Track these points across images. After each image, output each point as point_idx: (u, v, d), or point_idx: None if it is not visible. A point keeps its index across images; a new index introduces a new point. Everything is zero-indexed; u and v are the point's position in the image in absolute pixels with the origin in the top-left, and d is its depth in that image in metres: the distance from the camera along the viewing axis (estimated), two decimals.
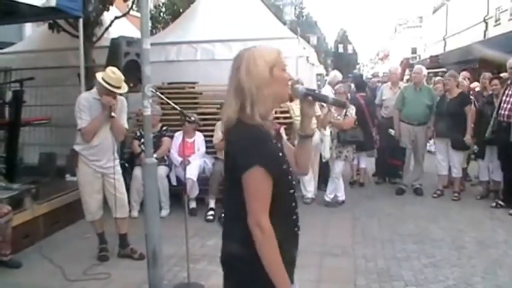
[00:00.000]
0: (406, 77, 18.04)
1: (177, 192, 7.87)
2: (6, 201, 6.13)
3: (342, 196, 8.56)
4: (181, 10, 17.44)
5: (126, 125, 6.16)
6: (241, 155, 2.28)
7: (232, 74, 2.39)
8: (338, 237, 6.80)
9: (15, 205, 6.18)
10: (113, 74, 5.81)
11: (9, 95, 8.38)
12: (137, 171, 7.58)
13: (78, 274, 5.61)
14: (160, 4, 18.37)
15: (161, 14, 18.14)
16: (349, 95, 9.58)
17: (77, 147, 5.95)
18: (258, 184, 2.26)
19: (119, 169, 6.10)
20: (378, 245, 6.53)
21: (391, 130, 9.41)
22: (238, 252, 2.39)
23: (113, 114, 5.79)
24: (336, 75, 11.56)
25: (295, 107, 8.13)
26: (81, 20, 7.95)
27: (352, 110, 8.34)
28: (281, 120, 8.25)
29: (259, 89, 2.33)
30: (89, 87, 7.94)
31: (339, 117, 8.27)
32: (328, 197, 8.52)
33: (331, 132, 8.51)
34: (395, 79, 10.27)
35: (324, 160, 8.74)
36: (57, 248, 6.51)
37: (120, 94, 5.95)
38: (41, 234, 6.72)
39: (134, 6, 10.58)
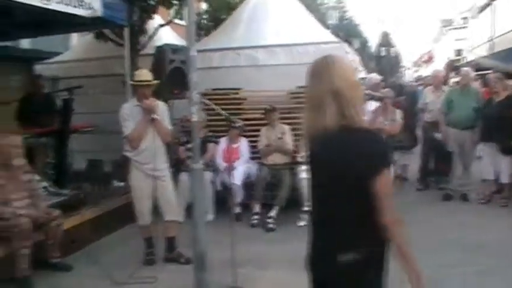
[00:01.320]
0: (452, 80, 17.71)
1: (221, 198, 7.94)
2: (56, 206, 6.30)
3: None
4: (223, 17, 17.58)
5: (169, 127, 6.27)
6: (376, 157, 2.37)
7: (319, 81, 2.45)
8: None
9: (65, 210, 6.31)
10: (137, 72, 6.18)
11: (58, 103, 8.60)
12: (183, 177, 7.66)
13: (125, 277, 5.69)
14: (202, 11, 18.50)
15: (203, 21, 18.26)
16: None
17: (127, 153, 6.13)
18: (390, 183, 2.40)
19: (168, 172, 6.24)
20: (423, 253, 6.42)
21: (437, 134, 9.26)
22: (366, 255, 2.44)
23: (154, 116, 5.93)
24: (372, 77, 11.41)
25: None
26: (126, 29, 8.09)
27: (398, 115, 8.26)
28: None
29: (355, 93, 2.42)
30: (134, 95, 8.12)
31: (385, 122, 8.20)
32: None
33: None
34: (438, 82, 10.07)
35: None
36: (105, 251, 6.63)
37: (148, 85, 6.05)
38: (90, 238, 6.86)
39: (177, 14, 10.77)
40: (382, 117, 8.24)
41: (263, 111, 8.34)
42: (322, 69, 2.46)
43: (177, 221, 6.33)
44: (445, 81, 11.94)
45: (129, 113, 6.02)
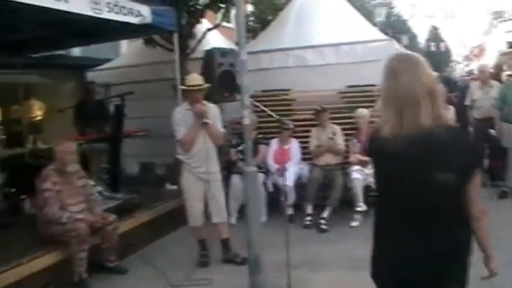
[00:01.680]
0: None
1: (273, 199, 7.95)
2: (111, 210, 6.42)
3: None
4: (269, 18, 17.59)
5: (221, 130, 6.33)
6: (478, 154, 2.65)
7: (410, 80, 2.41)
8: None
9: (119, 214, 6.42)
10: (188, 77, 6.26)
11: (111, 109, 8.76)
12: (234, 179, 7.70)
13: (180, 279, 5.76)
14: (249, 13, 18.56)
15: (249, 23, 18.33)
16: None
17: (180, 157, 6.23)
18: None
19: (219, 175, 6.30)
20: (479, 252, 6.29)
21: (491, 130, 9.04)
22: (461, 248, 2.55)
23: (206, 120, 5.99)
24: None
25: None
26: (175, 34, 8.18)
27: (451, 112, 8.08)
28: None
29: (440, 91, 2.46)
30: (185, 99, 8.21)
31: None
32: None
33: None
34: (485, 77, 9.69)
35: None
36: (160, 254, 6.72)
37: (199, 89, 6.10)
38: (144, 241, 6.96)
39: (224, 17, 10.84)
40: None
41: (313, 112, 8.30)
42: (410, 68, 2.43)
43: (225, 223, 6.38)
44: (497, 75, 11.58)
45: (181, 117, 6.10)
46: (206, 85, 6.18)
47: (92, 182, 7.05)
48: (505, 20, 55.91)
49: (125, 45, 16.12)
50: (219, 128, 6.25)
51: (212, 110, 6.18)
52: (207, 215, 6.34)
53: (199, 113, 5.98)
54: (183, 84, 7.29)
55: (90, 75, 11.37)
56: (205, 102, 6.15)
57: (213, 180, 6.20)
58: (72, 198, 5.91)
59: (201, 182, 6.17)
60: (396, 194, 2.55)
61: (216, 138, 6.17)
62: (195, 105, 6.02)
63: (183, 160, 6.21)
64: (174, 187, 8.38)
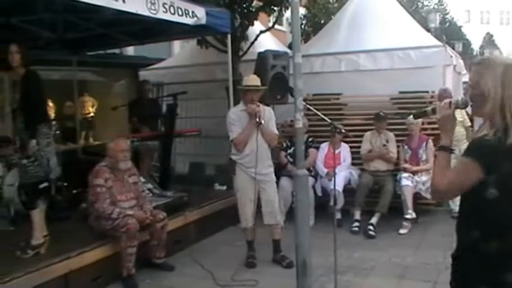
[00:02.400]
0: None
1: (322, 203, 7.93)
2: (161, 208, 6.50)
3: None
4: (322, 22, 17.57)
5: (276, 131, 6.33)
6: None
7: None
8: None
9: (169, 211, 6.48)
10: (246, 77, 6.33)
11: (163, 108, 8.88)
12: (284, 182, 7.70)
13: (227, 279, 5.79)
14: (302, 17, 18.57)
15: (302, 26, 18.34)
16: None
17: (233, 157, 6.27)
18: None
19: (273, 176, 6.31)
20: None
21: None
22: None
23: (259, 120, 6.03)
24: None
25: None
26: (229, 36, 8.24)
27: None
28: (429, 132, 8.07)
29: None
30: (236, 100, 8.26)
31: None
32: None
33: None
34: None
35: None
36: (207, 253, 6.76)
37: (257, 90, 6.16)
38: (192, 239, 7.00)
39: (277, 20, 10.89)
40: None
41: (367, 117, 8.26)
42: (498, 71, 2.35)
43: (278, 225, 6.37)
44: None
45: (236, 117, 6.17)
46: (263, 87, 6.26)
47: (142, 179, 7.17)
48: None
49: (177, 45, 16.35)
50: (274, 129, 6.27)
51: (267, 112, 6.22)
52: (258, 216, 6.36)
53: (253, 113, 6.02)
54: (237, 85, 7.37)
55: (143, 74, 11.54)
56: (260, 104, 6.20)
57: (266, 182, 6.23)
58: (123, 194, 6.00)
59: (253, 182, 6.19)
60: None
61: (270, 139, 6.19)
62: (249, 105, 6.06)
63: (236, 160, 6.25)
64: (223, 187, 8.46)
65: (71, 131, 11.78)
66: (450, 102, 2.54)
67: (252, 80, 6.22)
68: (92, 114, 15.51)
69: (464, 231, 2.44)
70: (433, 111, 2.64)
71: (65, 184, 7.59)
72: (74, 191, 7.45)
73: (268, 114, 6.23)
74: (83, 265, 5.41)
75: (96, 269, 5.56)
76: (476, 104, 2.42)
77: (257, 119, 6.01)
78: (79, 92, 12.06)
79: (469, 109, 2.70)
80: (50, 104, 12.45)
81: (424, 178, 7.66)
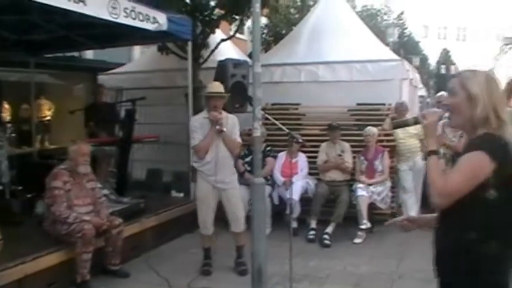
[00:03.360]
0: None
1: (278, 212, 7.98)
2: (117, 214, 6.45)
3: None
4: (283, 32, 17.70)
5: (239, 140, 6.36)
6: None
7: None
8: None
9: (125, 218, 6.45)
10: (210, 84, 6.36)
11: (122, 114, 8.82)
12: (241, 190, 7.70)
13: (182, 286, 5.79)
14: (263, 26, 18.69)
15: (263, 35, 18.45)
16: None
17: (195, 164, 6.31)
18: None
19: (236, 184, 6.33)
20: None
21: None
22: None
23: (221, 128, 6.06)
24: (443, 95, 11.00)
25: (398, 130, 8.06)
26: (190, 43, 8.25)
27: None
28: (385, 143, 8.22)
29: None
30: (196, 107, 8.27)
31: (453, 139, 7.99)
32: None
33: (445, 154, 8.15)
34: None
35: None
36: (163, 260, 6.74)
37: (220, 97, 6.20)
38: (148, 246, 6.99)
39: (238, 29, 10.94)
40: (451, 134, 8.01)
41: (326, 127, 8.34)
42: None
43: (242, 232, 6.37)
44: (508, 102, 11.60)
45: (198, 124, 6.19)
46: (226, 94, 6.30)
47: (99, 185, 7.11)
48: None
49: (138, 50, 16.26)
50: (236, 137, 6.28)
51: (230, 120, 6.25)
52: (216, 223, 6.39)
53: (215, 120, 6.04)
54: (197, 92, 7.38)
55: (102, 78, 11.43)
56: (223, 111, 6.25)
57: (228, 189, 6.25)
58: (81, 199, 5.95)
59: (214, 190, 6.22)
60: None
61: (231, 147, 6.20)
62: (211, 112, 6.09)
63: (197, 168, 6.28)
64: (181, 194, 8.44)
65: (27, 134, 11.61)
66: (435, 111, 2.74)
67: (215, 86, 6.25)
68: (48, 117, 15.25)
69: (456, 233, 2.47)
70: (415, 120, 2.80)
71: (20, 188, 7.47)
72: (29, 195, 7.32)
73: (232, 122, 6.26)
74: (38, 270, 5.33)
75: (51, 274, 5.49)
76: (459, 111, 2.55)
77: (217, 127, 6.04)
78: (36, 95, 11.88)
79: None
80: (6, 106, 12.26)
81: (379, 188, 7.80)
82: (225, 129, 6.08)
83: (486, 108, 2.45)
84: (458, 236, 2.45)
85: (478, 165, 2.39)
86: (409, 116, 7.24)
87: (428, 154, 2.64)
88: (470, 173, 2.41)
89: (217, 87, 6.26)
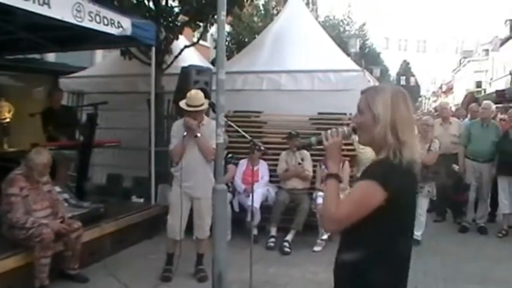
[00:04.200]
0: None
1: (238, 219, 8.01)
2: (77, 218, 6.40)
3: (419, 236, 8.09)
4: (246, 40, 17.80)
5: (214, 146, 6.17)
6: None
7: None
8: None
9: (85, 222, 6.40)
10: (190, 95, 6.25)
11: (83, 118, 8.76)
12: None
13: None
14: (226, 34, 18.78)
15: (226, 43, 18.53)
16: None
17: (172, 169, 6.42)
18: None
19: (208, 193, 5.97)
20: (440, 284, 6.45)
21: (454, 166, 9.31)
22: None
23: (197, 134, 6.11)
24: None
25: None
26: (153, 48, 8.25)
27: (436, 145, 8.16)
28: (345, 153, 8.32)
29: None
30: (158, 112, 8.27)
31: (421, 151, 8.13)
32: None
33: None
34: (446, 114, 10.10)
35: None
36: (122, 266, 6.72)
37: (200, 111, 6.24)
38: (107, 251, 6.96)
39: (202, 36, 10.99)
40: (419, 146, 8.10)
41: (285, 136, 8.40)
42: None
43: (205, 239, 6.39)
44: (466, 114, 11.95)
45: (176, 129, 6.29)
46: (204, 107, 6.25)
47: (58, 189, 7.05)
48: (474, 60, 57.31)
49: (100, 54, 16.11)
50: (212, 143, 6.06)
51: (211, 126, 6.13)
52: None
53: (187, 126, 6.12)
54: (161, 99, 7.36)
55: (63, 81, 11.31)
56: (206, 117, 6.37)
57: (200, 199, 6.26)
58: (39, 203, 5.90)
59: (186, 197, 6.26)
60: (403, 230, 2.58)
61: (205, 153, 6.19)
62: (185, 118, 6.18)
63: (172, 172, 6.37)
64: (141, 200, 8.42)
65: None
66: (337, 130, 2.63)
67: (194, 99, 6.21)
68: (7, 119, 14.99)
69: (363, 245, 2.48)
70: (318, 141, 2.70)
71: None
72: None
73: (210, 128, 6.13)
74: None
75: (8, 279, 5.43)
76: (365, 130, 2.52)
77: (195, 134, 6.12)
78: None
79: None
80: None
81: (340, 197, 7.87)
82: (199, 134, 6.12)
83: (385, 128, 2.43)
84: (365, 247, 2.48)
85: (368, 195, 2.40)
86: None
87: (327, 177, 2.62)
88: (359, 202, 2.43)
89: (198, 100, 6.21)
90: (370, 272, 2.43)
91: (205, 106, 6.28)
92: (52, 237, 5.61)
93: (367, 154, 8.27)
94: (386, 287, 2.49)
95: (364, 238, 2.46)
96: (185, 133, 6.16)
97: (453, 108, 21.04)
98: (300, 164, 8.14)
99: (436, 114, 15.70)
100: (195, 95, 6.24)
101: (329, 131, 2.64)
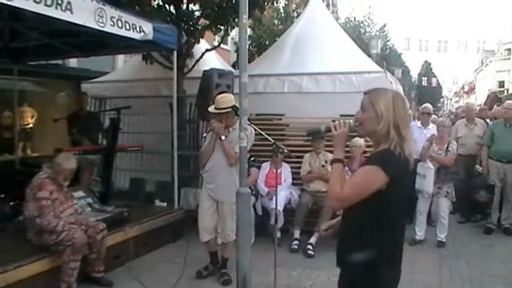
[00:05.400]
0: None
1: (262, 222, 8.01)
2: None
3: (444, 238, 8.12)
4: (266, 43, 17.80)
5: (236, 149, 6.08)
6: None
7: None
8: (425, 276, 6.66)
9: (109, 227, 6.41)
10: (217, 99, 6.29)
11: (106, 122, 8.81)
12: None
13: None
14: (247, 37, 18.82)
15: (247, 46, 18.57)
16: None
17: (201, 171, 6.48)
18: None
19: (232, 197, 6.00)
20: (466, 286, 6.38)
21: (478, 166, 9.22)
22: None
23: (222, 137, 6.11)
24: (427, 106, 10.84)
25: None
26: (175, 52, 8.27)
27: (454, 146, 8.10)
28: (368, 154, 8.27)
29: None
30: (180, 116, 8.28)
31: (439, 152, 8.06)
32: (418, 235, 8.18)
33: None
34: (472, 115, 9.97)
35: (425, 196, 8.12)
36: (146, 269, 6.74)
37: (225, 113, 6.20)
38: (131, 255, 6.95)
39: (223, 39, 11.01)
40: (436, 146, 8.06)
41: (307, 138, 8.38)
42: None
43: (229, 243, 6.39)
44: (488, 115, 11.81)
45: (210, 133, 6.33)
46: (225, 110, 6.20)
47: (82, 193, 7.11)
48: (496, 60, 56.78)
49: (121, 59, 16.24)
50: (235, 147, 6.07)
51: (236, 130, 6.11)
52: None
53: (212, 129, 6.17)
54: (183, 102, 7.37)
55: (85, 86, 11.40)
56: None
57: (223, 202, 6.27)
58: (65, 203, 5.99)
59: (211, 199, 6.32)
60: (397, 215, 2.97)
61: (227, 157, 6.17)
62: (211, 121, 6.22)
63: (202, 174, 6.47)
64: (164, 204, 8.43)
65: (9, 142, 11.52)
66: (344, 122, 3.03)
67: (222, 103, 6.20)
68: (31, 125, 15.16)
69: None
70: (327, 129, 3.09)
71: (2, 196, 7.43)
72: (11, 203, 7.28)
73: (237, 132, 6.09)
74: (20, 279, 5.29)
75: (34, 283, 5.46)
76: (366, 125, 2.92)
77: (221, 137, 6.14)
78: (19, 102, 11.81)
79: None
80: None
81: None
82: (223, 137, 6.12)
83: (388, 125, 2.82)
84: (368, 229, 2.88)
85: (370, 178, 2.77)
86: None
87: (332, 162, 3.01)
88: (362, 184, 2.80)
89: (223, 103, 6.19)
90: (366, 249, 2.83)
91: (225, 111, 6.24)
92: (84, 241, 5.71)
93: None
94: (382, 265, 2.84)
95: (364, 218, 2.84)
96: (205, 134, 6.34)
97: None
98: (323, 166, 8.09)
99: (455, 115, 15.56)
100: (221, 98, 6.24)
101: (336, 122, 3.06)
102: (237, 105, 5.84)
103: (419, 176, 7.99)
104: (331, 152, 8.11)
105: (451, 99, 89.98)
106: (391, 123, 2.82)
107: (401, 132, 2.82)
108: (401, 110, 2.87)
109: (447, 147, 8.04)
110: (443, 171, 7.98)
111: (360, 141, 7.98)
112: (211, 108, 6.27)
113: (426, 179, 7.91)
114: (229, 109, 6.15)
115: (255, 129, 6.16)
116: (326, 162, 8.08)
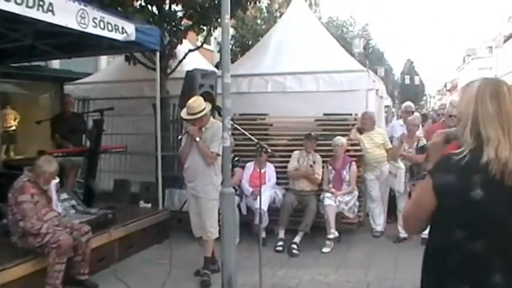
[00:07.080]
0: None
1: (246, 222, 8.02)
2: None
3: (427, 234, 8.13)
4: (249, 43, 17.82)
5: (214, 149, 6.19)
6: None
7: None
8: (409, 272, 6.69)
9: (93, 228, 6.37)
10: (188, 104, 6.26)
11: (89, 124, 8.77)
12: None
13: None
14: (230, 37, 18.81)
15: (230, 46, 18.57)
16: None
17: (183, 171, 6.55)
18: None
19: (210, 194, 6.23)
20: None
21: None
22: None
23: (196, 139, 6.14)
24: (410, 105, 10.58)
25: (365, 140, 8.20)
26: (158, 53, 8.25)
27: (423, 143, 8.19)
28: (352, 153, 8.32)
29: None
30: (163, 117, 8.26)
31: (410, 150, 8.13)
32: (402, 232, 7.98)
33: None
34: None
35: (397, 194, 8.26)
36: (131, 271, 6.70)
37: (199, 118, 6.20)
38: (116, 257, 6.92)
39: (205, 40, 11.00)
40: (407, 145, 8.14)
41: (294, 137, 8.49)
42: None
43: (208, 241, 6.41)
44: None
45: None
46: (203, 113, 6.19)
47: (66, 196, 7.07)
48: (478, 58, 57.27)
49: (104, 60, 16.17)
50: (213, 147, 6.18)
51: (213, 128, 6.25)
52: None
53: (187, 132, 6.26)
54: (166, 103, 7.37)
55: (68, 88, 11.35)
56: (212, 120, 6.48)
57: (201, 198, 6.32)
58: (47, 206, 5.95)
59: (192, 197, 6.43)
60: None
61: (203, 157, 6.23)
62: (186, 125, 6.35)
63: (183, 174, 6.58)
64: (148, 205, 8.41)
65: None
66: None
67: (192, 108, 6.18)
68: (14, 127, 15.08)
69: (441, 234, 2.32)
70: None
71: None
72: None
73: (212, 132, 6.22)
74: (4, 282, 5.23)
75: (19, 286, 5.42)
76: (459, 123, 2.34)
77: (195, 138, 6.18)
78: (1, 105, 11.74)
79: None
80: None
81: (347, 198, 7.90)
82: (198, 139, 6.14)
83: (467, 122, 2.23)
84: (443, 236, 2.33)
85: (421, 193, 2.35)
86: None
87: (423, 176, 2.43)
88: (415, 201, 2.40)
89: (196, 108, 6.17)
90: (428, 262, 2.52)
91: (206, 111, 6.25)
92: (70, 243, 5.66)
93: (374, 155, 8.30)
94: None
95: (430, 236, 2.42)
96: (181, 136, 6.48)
97: None
98: (311, 166, 8.11)
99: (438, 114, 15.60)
100: (193, 103, 6.21)
101: (435, 133, 2.54)
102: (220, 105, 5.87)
103: (390, 175, 8.22)
104: (316, 151, 8.19)
105: (433, 97, 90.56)
106: (469, 120, 2.22)
107: (482, 134, 2.16)
108: (487, 103, 2.18)
109: (417, 144, 8.11)
110: (416, 168, 8.05)
111: (341, 139, 8.04)
112: (183, 114, 6.30)
113: (397, 178, 8.07)
114: (202, 113, 6.17)
115: (238, 129, 6.19)
116: (314, 162, 8.11)
